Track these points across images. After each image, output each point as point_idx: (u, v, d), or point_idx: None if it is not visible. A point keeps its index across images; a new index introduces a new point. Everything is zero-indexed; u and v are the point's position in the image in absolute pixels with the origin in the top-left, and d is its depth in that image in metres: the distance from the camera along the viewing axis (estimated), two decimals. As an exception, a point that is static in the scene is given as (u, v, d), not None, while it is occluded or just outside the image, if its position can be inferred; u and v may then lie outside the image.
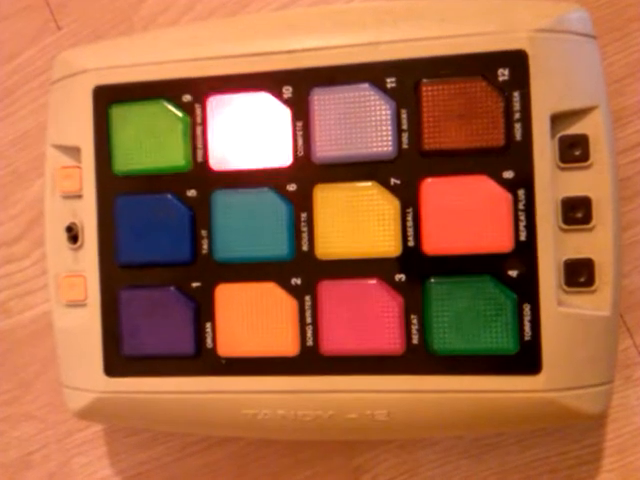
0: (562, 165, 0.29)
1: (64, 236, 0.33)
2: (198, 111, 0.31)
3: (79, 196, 0.32)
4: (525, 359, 0.28)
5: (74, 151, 0.33)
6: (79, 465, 0.39)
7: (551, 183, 0.29)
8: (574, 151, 0.29)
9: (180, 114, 0.31)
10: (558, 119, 0.29)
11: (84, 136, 0.32)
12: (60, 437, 0.39)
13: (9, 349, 0.40)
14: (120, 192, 0.32)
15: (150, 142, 0.31)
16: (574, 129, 0.29)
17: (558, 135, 0.29)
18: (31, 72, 0.40)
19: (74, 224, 0.32)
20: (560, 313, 0.28)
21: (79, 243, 0.32)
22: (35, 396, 0.39)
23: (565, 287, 0.29)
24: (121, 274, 0.32)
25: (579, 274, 0.29)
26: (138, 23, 0.39)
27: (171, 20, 0.38)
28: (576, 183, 0.29)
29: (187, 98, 0.31)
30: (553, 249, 0.28)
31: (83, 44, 0.39)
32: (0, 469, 0.40)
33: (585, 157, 0.29)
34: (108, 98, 0.32)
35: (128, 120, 0.32)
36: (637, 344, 0.33)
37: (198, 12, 0.37)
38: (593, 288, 0.29)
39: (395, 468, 0.35)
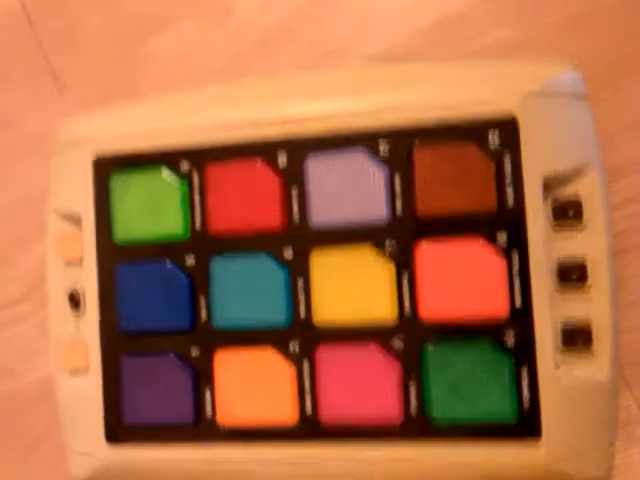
0: (556, 227, 0.29)
1: (66, 302, 0.33)
2: (196, 179, 0.32)
3: (81, 263, 0.33)
4: (524, 426, 0.28)
5: (75, 219, 0.33)
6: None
7: (545, 245, 0.29)
8: (567, 213, 0.29)
9: (178, 182, 0.32)
10: (550, 181, 0.29)
11: (85, 205, 0.33)
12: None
13: (13, 411, 0.40)
14: (120, 261, 0.32)
15: (149, 210, 0.32)
16: (567, 191, 0.29)
17: (551, 197, 0.29)
18: (35, 136, 0.41)
19: (76, 291, 0.33)
20: (558, 378, 0.28)
21: (81, 310, 0.33)
22: (40, 459, 0.40)
23: (563, 350, 0.29)
24: (122, 341, 0.32)
25: (576, 336, 0.29)
26: (141, 86, 0.39)
27: (176, 81, 0.39)
28: (571, 245, 0.29)
29: (185, 166, 0.32)
30: (549, 312, 0.28)
31: (85, 108, 0.40)
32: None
33: (579, 219, 0.29)
34: (108, 167, 0.32)
35: (128, 188, 0.32)
36: (638, 401, 0.33)
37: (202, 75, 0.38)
38: (591, 350, 0.29)
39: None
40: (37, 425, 0.40)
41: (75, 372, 0.33)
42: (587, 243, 0.29)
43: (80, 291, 0.33)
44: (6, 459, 0.40)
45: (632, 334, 0.33)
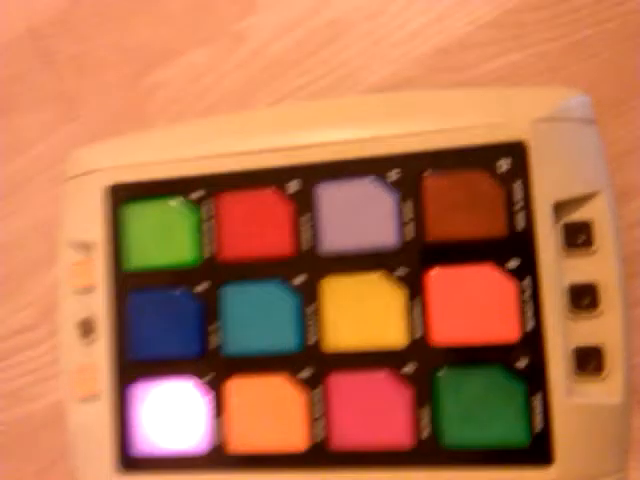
0: (567, 251, 0.29)
1: (77, 330, 0.33)
2: (207, 207, 0.32)
3: (93, 290, 0.33)
4: (537, 451, 0.28)
5: (87, 246, 0.33)
6: None
7: (556, 270, 0.29)
8: (578, 237, 0.29)
9: (189, 210, 0.32)
10: (561, 206, 0.29)
11: (96, 233, 0.33)
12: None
13: (25, 436, 0.40)
14: (132, 288, 0.32)
15: (161, 238, 0.32)
16: (577, 215, 0.29)
17: (561, 222, 0.29)
18: (47, 162, 0.41)
19: (87, 319, 0.33)
20: (571, 403, 0.28)
21: (92, 338, 0.33)
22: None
23: (575, 375, 0.29)
24: (133, 369, 0.32)
25: (588, 361, 0.29)
26: (151, 114, 0.40)
27: (184, 109, 0.39)
28: (582, 269, 0.29)
29: (196, 195, 0.32)
30: (561, 337, 0.28)
31: (97, 133, 0.40)
32: None
33: (590, 243, 0.29)
34: (120, 196, 0.33)
35: (139, 217, 0.32)
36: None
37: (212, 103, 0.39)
38: (603, 375, 0.29)
39: None
40: (50, 450, 0.40)
41: (86, 399, 0.33)
42: (598, 267, 0.29)
43: (92, 318, 0.33)
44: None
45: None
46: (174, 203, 0.32)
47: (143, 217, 0.32)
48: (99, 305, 0.33)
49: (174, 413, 0.32)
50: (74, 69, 0.42)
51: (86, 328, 0.33)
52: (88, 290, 0.33)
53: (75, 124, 0.41)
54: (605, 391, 0.29)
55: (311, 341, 0.30)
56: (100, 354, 0.32)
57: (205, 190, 0.32)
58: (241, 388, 0.31)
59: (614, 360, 0.29)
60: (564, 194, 0.29)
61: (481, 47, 0.36)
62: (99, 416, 0.32)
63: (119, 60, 0.41)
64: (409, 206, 0.30)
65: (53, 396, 0.40)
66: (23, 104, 0.42)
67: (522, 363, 0.29)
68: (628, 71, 0.34)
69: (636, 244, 0.34)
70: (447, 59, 0.36)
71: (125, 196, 0.33)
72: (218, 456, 0.31)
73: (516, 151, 0.29)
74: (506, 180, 0.29)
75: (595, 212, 0.29)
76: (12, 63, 0.43)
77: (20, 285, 0.41)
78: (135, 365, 0.32)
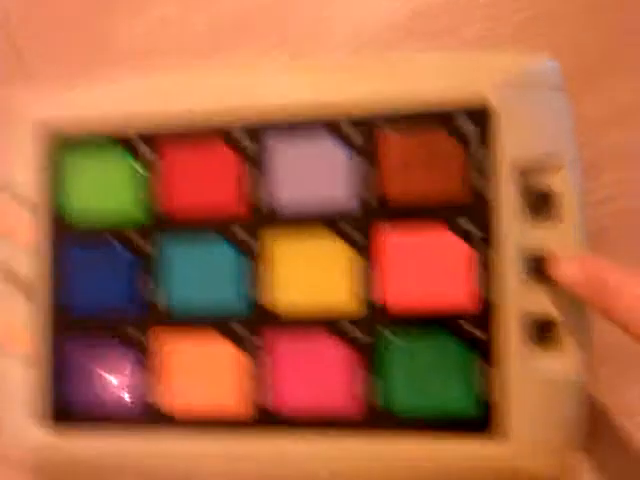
0: (526, 219, 0.28)
1: (11, 285, 0.31)
2: (151, 161, 0.30)
3: (22, 241, 0.31)
4: (489, 423, 0.27)
5: (24, 198, 0.31)
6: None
7: (514, 237, 0.28)
8: (540, 206, 0.28)
9: (132, 163, 0.30)
10: (524, 173, 0.28)
11: (34, 183, 0.31)
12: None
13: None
14: (70, 242, 0.30)
15: (102, 191, 0.30)
16: (540, 183, 0.28)
17: (524, 189, 0.28)
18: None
19: (11, 268, 0.31)
20: (526, 375, 0.27)
21: (26, 292, 0.31)
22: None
23: (531, 347, 0.27)
24: (67, 326, 0.30)
25: (543, 331, 0.27)
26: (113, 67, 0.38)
27: (147, 64, 0.37)
28: (541, 237, 0.28)
29: (140, 147, 0.30)
30: (517, 305, 0.27)
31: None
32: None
33: (551, 212, 0.28)
34: (60, 147, 0.31)
35: (81, 170, 0.31)
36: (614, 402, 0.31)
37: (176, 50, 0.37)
38: (559, 348, 0.27)
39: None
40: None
41: (13, 352, 0.31)
42: (558, 237, 0.28)
43: (27, 274, 0.31)
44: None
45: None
46: (116, 155, 0.30)
47: (85, 169, 0.31)
48: (35, 259, 0.31)
49: (109, 371, 0.30)
50: (30, 22, 0.40)
51: (8, 276, 0.31)
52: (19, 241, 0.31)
53: (28, 76, 0.39)
54: (562, 365, 0.27)
55: (256, 301, 0.29)
56: (28, 306, 0.31)
57: (150, 142, 0.30)
58: (181, 348, 0.29)
59: (570, 334, 0.28)
60: (526, 159, 0.28)
61: (451, 15, 0.35)
62: (22, 369, 0.31)
63: (81, 11, 0.39)
64: (365, 165, 0.29)
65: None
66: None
67: (475, 331, 0.27)
68: (598, 41, 0.33)
69: (604, 219, 0.33)
70: (416, 26, 0.35)
71: (66, 147, 0.31)
72: (152, 416, 0.29)
73: (479, 113, 0.28)
74: (468, 143, 0.28)
75: (559, 181, 0.28)
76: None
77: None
78: (70, 322, 0.30)
